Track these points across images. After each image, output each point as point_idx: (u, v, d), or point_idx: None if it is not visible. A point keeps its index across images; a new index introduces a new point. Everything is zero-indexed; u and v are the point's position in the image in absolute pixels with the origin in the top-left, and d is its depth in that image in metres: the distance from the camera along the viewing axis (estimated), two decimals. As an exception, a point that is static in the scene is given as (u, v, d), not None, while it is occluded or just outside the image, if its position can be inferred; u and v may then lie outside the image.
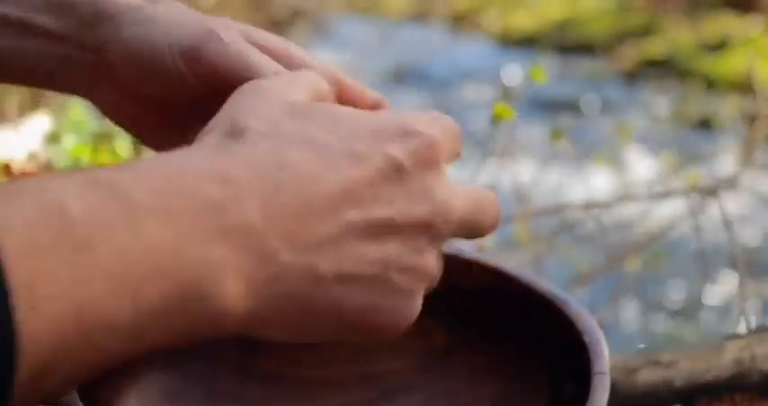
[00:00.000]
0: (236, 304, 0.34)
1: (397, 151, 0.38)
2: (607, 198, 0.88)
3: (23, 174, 1.03)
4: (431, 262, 0.39)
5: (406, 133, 0.38)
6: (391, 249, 0.38)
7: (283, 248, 0.35)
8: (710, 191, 0.72)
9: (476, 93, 4.97)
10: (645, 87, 5.10)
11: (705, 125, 4.30)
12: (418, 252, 0.38)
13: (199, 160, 0.35)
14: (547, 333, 0.53)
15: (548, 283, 0.53)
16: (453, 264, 0.52)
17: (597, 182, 2.88)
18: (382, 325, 0.39)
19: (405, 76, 5.46)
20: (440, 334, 0.56)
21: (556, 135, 1.04)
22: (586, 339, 0.50)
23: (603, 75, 5.40)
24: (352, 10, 7.93)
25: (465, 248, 0.56)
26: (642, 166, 3.27)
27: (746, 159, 1.26)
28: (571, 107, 4.40)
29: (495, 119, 0.82)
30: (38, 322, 0.28)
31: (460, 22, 7.21)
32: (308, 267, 0.35)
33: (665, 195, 1.03)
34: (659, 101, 4.82)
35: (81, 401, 0.46)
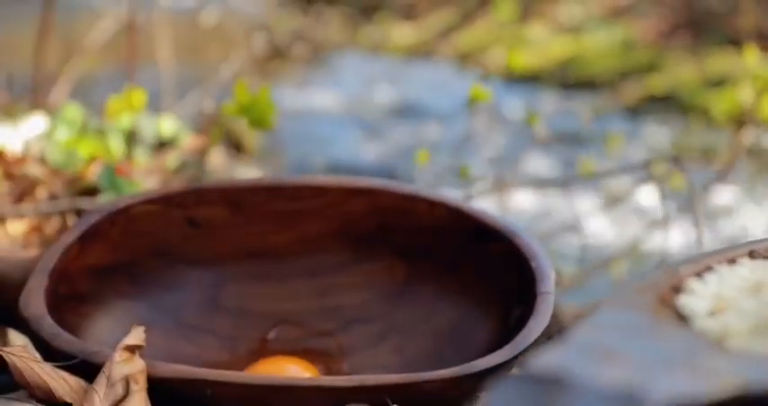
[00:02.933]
0: None
1: None
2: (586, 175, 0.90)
3: (17, 162, 1.05)
4: None
5: None
6: None
7: None
8: (675, 162, 0.74)
9: (478, 127, 5.00)
10: (647, 122, 5.13)
11: (705, 157, 4.33)
12: None
13: None
14: (500, 263, 0.55)
15: (502, 218, 0.56)
16: (418, 204, 0.55)
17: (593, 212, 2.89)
18: None
19: (407, 111, 5.50)
20: (400, 269, 0.58)
21: (532, 118, 1.06)
22: (533, 264, 0.52)
23: (607, 111, 5.43)
24: (356, 46, 8.00)
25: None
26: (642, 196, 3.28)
27: (727, 166, 1.28)
28: (575, 140, 4.43)
29: (472, 101, 0.84)
30: None
31: (465, 60, 7.26)
32: None
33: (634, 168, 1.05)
34: (661, 135, 4.85)
35: (55, 324, 0.49)
